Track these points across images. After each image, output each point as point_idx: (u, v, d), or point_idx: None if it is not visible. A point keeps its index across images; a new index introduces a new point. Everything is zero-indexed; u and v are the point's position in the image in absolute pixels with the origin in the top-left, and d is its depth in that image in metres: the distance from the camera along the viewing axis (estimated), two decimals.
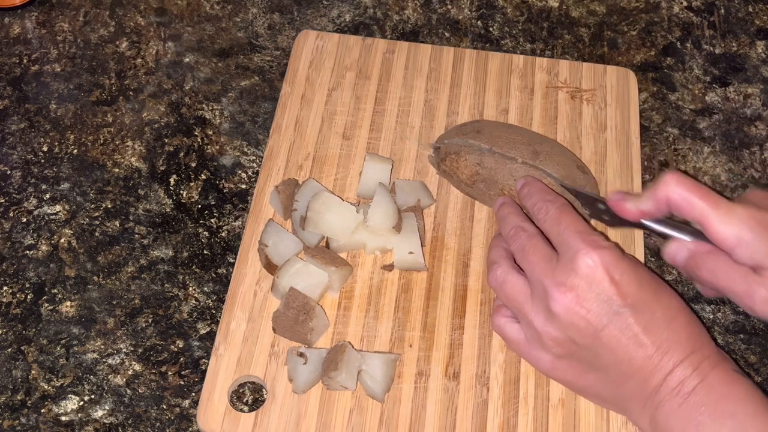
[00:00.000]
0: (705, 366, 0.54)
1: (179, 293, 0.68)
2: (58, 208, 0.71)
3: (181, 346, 0.66)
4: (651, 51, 0.82)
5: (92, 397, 0.63)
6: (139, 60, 0.80)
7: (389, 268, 0.67)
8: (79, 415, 0.63)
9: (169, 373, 0.65)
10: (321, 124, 0.73)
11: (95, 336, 0.66)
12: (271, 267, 0.65)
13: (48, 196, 0.72)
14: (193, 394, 0.64)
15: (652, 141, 0.76)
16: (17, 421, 0.62)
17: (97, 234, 0.70)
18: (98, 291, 0.68)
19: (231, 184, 0.73)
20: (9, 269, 0.69)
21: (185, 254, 0.69)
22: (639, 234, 0.68)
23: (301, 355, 0.61)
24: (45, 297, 0.67)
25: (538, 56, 0.79)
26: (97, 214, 0.71)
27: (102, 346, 0.65)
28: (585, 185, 0.66)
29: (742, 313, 0.67)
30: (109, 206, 0.72)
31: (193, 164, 0.74)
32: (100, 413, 0.63)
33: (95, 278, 0.68)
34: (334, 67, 0.77)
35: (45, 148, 0.75)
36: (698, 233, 0.59)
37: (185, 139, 0.75)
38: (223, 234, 0.71)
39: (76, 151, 0.74)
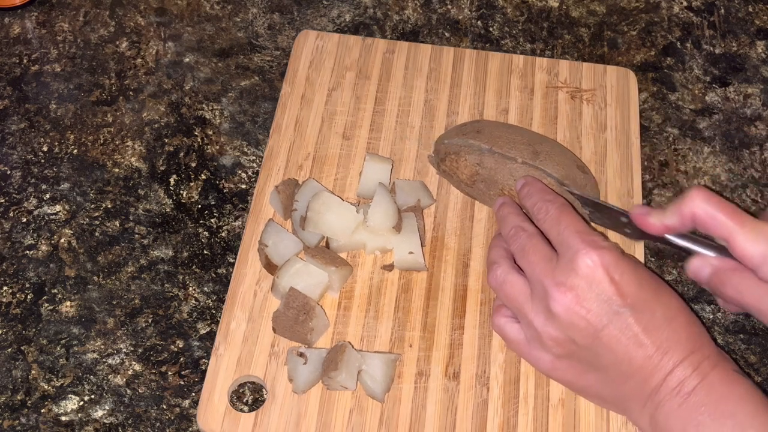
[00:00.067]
0: (705, 366, 0.54)
1: (179, 293, 0.68)
2: (58, 208, 0.72)
3: (181, 346, 0.66)
4: (651, 51, 0.82)
5: (92, 397, 0.63)
6: (139, 60, 0.80)
7: (389, 268, 0.67)
8: (79, 415, 0.63)
9: (169, 373, 0.65)
10: (321, 124, 0.73)
11: (95, 336, 0.66)
12: (271, 267, 0.65)
13: (48, 196, 0.72)
14: (193, 394, 0.64)
15: (652, 141, 0.76)
16: (17, 421, 0.62)
17: (97, 234, 0.70)
18: (98, 291, 0.68)
19: (231, 184, 0.73)
20: (9, 269, 0.69)
21: (185, 254, 0.69)
22: None
23: (301, 355, 0.61)
24: (45, 297, 0.67)
25: (538, 56, 0.79)
26: (97, 214, 0.71)
27: (102, 346, 0.65)
28: (585, 185, 0.66)
29: (741, 312, 0.67)
30: (109, 206, 0.72)
31: (193, 164, 0.74)
32: (100, 413, 0.63)
33: (95, 278, 0.68)
34: (334, 67, 0.77)
35: (45, 148, 0.75)
36: (722, 249, 0.58)
37: (185, 139, 0.75)
38: (223, 234, 0.71)
39: (76, 151, 0.74)
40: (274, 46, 0.81)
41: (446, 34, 0.83)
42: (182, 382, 0.64)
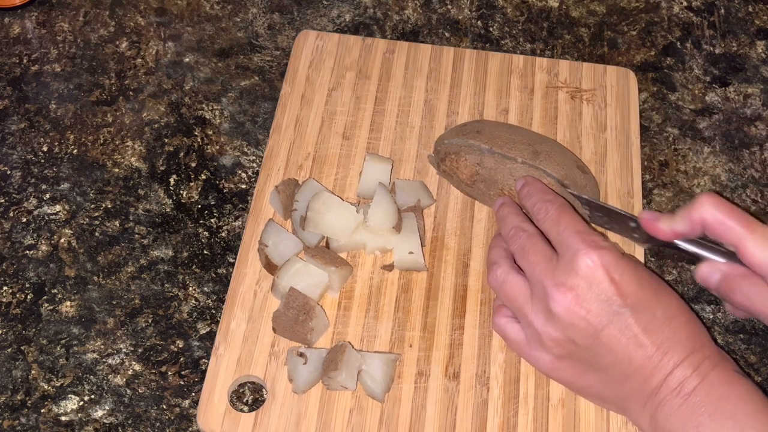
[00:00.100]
0: (705, 366, 0.54)
1: (179, 293, 0.68)
2: (58, 208, 0.71)
3: (181, 346, 0.66)
4: (651, 51, 0.82)
5: (92, 397, 0.63)
6: (139, 60, 0.80)
7: (389, 268, 0.67)
8: (79, 415, 0.63)
9: (169, 373, 0.65)
10: (321, 124, 0.73)
11: (95, 336, 0.66)
12: (271, 267, 0.65)
13: (48, 196, 0.72)
14: (193, 394, 0.64)
15: (652, 141, 0.76)
16: (17, 421, 0.62)
17: (97, 234, 0.70)
18: (98, 291, 0.68)
19: (231, 184, 0.73)
20: (9, 269, 0.69)
21: (185, 254, 0.69)
22: None
23: (301, 355, 0.61)
24: (45, 297, 0.67)
25: (538, 56, 0.79)
26: (97, 214, 0.71)
27: (102, 346, 0.65)
28: (585, 185, 0.66)
29: (750, 318, 0.67)
30: (109, 206, 0.72)
31: (193, 164, 0.74)
32: (100, 413, 0.63)
33: (95, 278, 0.68)
34: (334, 67, 0.77)
35: (45, 148, 0.75)
36: (731, 255, 0.58)
37: (185, 139, 0.75)
38: (223, 234, 0.71)
39: (76, 151, 0.74)
40: (274, 46, 0.81)
41: (446, 34, 0.83)
42: (182, 382, 0.64)
